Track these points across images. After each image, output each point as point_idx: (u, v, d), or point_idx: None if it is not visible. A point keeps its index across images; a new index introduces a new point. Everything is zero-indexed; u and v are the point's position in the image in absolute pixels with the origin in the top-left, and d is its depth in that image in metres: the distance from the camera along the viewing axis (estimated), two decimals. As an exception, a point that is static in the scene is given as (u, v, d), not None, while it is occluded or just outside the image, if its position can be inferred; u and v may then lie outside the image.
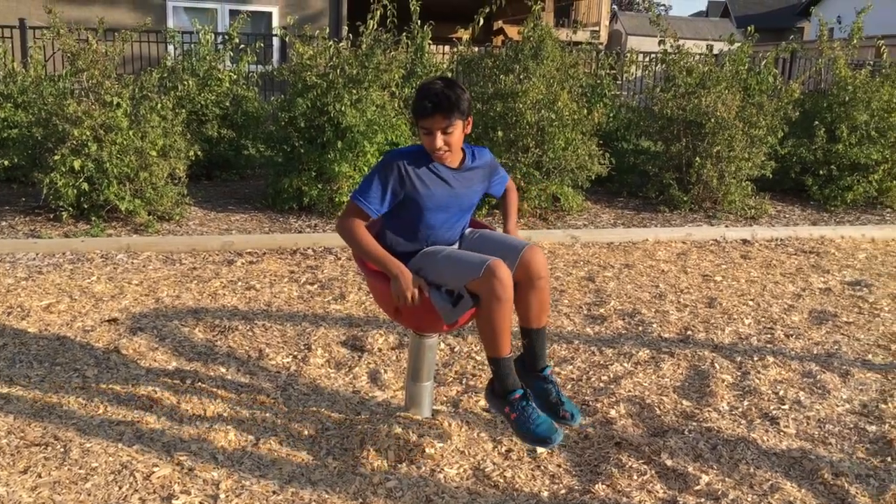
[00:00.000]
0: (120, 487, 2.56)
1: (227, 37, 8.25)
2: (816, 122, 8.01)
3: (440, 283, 2.70)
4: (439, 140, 2.63)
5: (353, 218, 2.72)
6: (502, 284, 2.55)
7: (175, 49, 8.51)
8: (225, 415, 3.09)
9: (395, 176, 2.69)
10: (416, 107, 2.64)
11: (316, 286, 4.84)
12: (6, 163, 6.29)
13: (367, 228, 2.74)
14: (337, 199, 6.48)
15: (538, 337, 2.80)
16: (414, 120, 2.71)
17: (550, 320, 4.34)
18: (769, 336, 4.20)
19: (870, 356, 3.95)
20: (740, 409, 3.29)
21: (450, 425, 3.03)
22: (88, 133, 5.83)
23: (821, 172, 7.93)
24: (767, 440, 3.02)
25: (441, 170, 2.74)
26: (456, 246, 2.90)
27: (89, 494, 2.52)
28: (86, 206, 6.04)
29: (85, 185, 5.84)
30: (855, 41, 8.36)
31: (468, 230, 2.99)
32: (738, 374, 3.66)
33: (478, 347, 3.90)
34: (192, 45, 8.11)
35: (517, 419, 2.65)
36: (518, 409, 2.66)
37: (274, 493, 2.58)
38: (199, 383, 3.36)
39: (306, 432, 2.99)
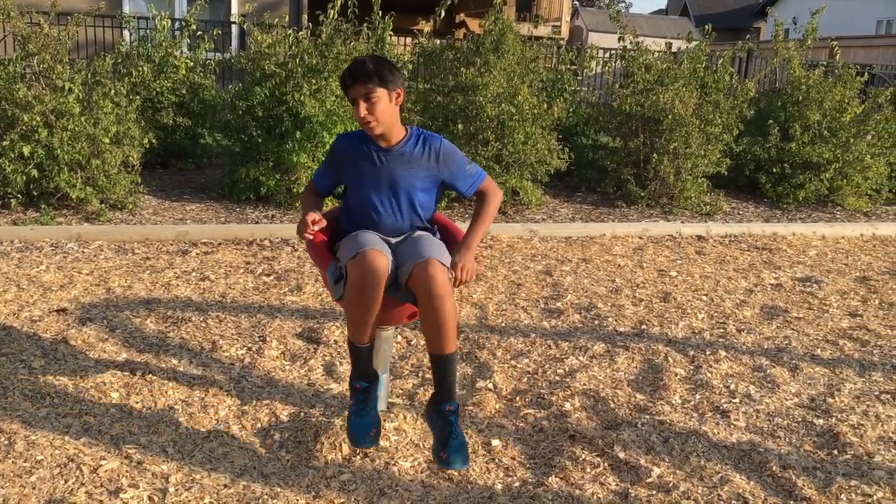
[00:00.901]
0: (66, 481, 2.51)
1: (184, 23, 8.10)
2: (771, 121, 8.15)
3: (339, 257, 2.71)
4: (363, 109, 2.64)
5: (307, 189, 2.96)
6: (361, 274, 2.49)
7: (130, 35, 8.34)
8: (176, 407, 3.04)
9: (334, 154, 2.86)
10: (341, 81, 2.69)
11: (272, 277, 4.78)
12: (-48, 148, 6.10)
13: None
14: (295, 190, 6.42)
15: (437, 365, 2.63)
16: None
17: (507, 314, 4.35)
18: (722, 331, 4.26)
19: (818, 351, 4.03)
20: (692, 403, 3.33)
21: (405, 418, 3.03)
22: (39, 119, 5.69)
23: (774, 170, 8.07)
24: (718, 433, 3.07)
25: (372, 148, 2.77)
26: (396, 240, 2.81)
27: (34, 488, 2.46)
28: (35, 194, 5.89)
29: (34, 172, 5.70)
30: (809, 42, 8.50)
31: (416, 232, 2.85)
32: (691, 367, 3.71)
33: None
34: (148, 31, 7.95)
35: (349, 407, 2.74)
36: (355, 399, 2.73)
37: (225, 486, 2.55)
38: (150, 375, 3.30)
39: (259, 425, 2.95)
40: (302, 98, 6.27)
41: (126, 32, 8.61)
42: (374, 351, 2.85)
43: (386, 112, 2.68)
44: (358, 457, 2.76)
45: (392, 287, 2.61)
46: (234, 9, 12.48)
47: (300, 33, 6.90)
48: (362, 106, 2.64)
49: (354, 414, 2.70)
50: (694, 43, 8.11)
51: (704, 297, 4.86)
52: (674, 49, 8.22)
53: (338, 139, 2.86)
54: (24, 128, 5.67)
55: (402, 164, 2.76)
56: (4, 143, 5.63)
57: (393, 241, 2.78)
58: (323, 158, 6.32)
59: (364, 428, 2.67)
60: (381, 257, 2.51)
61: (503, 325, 4.19)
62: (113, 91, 6.14)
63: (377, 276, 2.48)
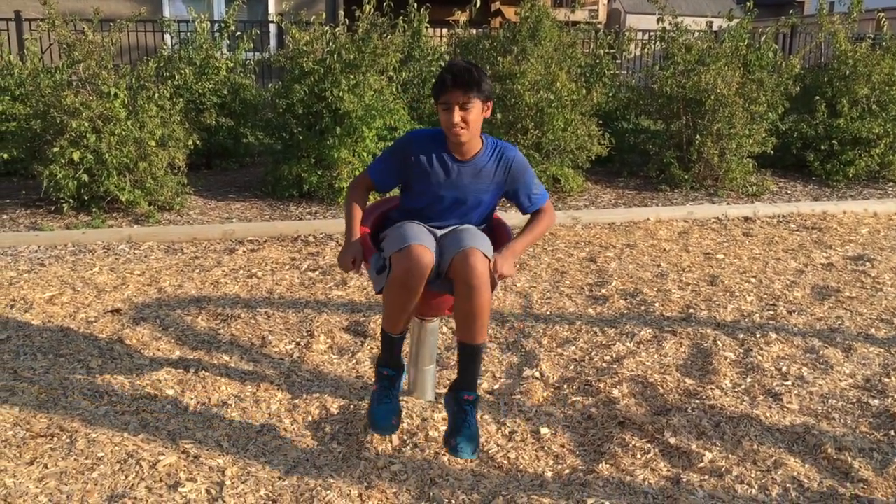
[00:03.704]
0: (126, 476, 2.58)
1: (223, 24, 8.21)
2: (817, 97, 7.97)
3: (384, 248, 2.71)
4: (457, 115, 2.60)
5: (358, 183, 2.90)
6: (405, 268, 2.49)
7: (171, 38, 8.48)
8: (229, 402, 3.10)
9: (400, 154, 2.77)
10: (437, 82, 2.64)
11: (317, 273, 4.84)
12: (5, 156, 6.29)
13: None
14: (337, 185, 6.48)
15: (463, 353, 2.65)
16: (434, 98, 2.70)
17: (552, 302, 4.34)
18: (771, 313, 4.20)
19: (872, 331, 3.95)
20: (743, 387, 3.29)
21: (453, 408, 3.04)
22: (87, 124, 5.82)
23: (822, 147, 7.90)
24: (770, 416, 3.03)
25: (446, 157, 2.74)
26: (442, 232, 2.81)
27: (96, 484, 2.53)
28: (86, 198, 6.04)
29: (85, 177, 5.84)
30: (854, 14, 8.30)
31: (463, 225, 2.85)
32: (741, 351, 3.67)
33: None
34: (189, 34, 8.07)
35: (372, 392, 2.78)
36: (379, 384, 2.77)
37: (279, 478, 2.59)
38: (203, 372, 3.37)
39: (310, 418, 3.00)
40: (340, 94, 6.31)
41: (167, 36, 8.75)
42: (413, 342, 2.89)
43: (476, 122, 2.67)
44: (408, 447, 2.78)
45: (433, 277, 2.62)
46: (272, 8, 12.60)
47: (337, 29, 6.94)
48: (457, 112, 2.60)
49: (377, 401, 2.75)
50: (735, 20, 7.97)
51: (753, 280, 4.79)
52: (714, 28, 8.07)
53: (411, 137, 2.77)
54: (72, 134, 5.81)
55: (473, 176, 2.76)
56: (55, 149, 5.77)
57: (439, 232, 2.80)
58: (364, 154, 6.43)
59: (387, 414, 2.71)
60: (427, 252, 2.52)
61: (548, 313, 4.19)
62: (157, 94, 6.25)
63: (421, 271, 2.49)
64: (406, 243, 2.53)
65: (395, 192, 3.01)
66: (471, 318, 2.56)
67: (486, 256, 2.54)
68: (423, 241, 2.56)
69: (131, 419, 2.96)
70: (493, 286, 2.59)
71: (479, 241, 2.62)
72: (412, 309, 2.62)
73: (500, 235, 2.94)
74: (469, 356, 2.65)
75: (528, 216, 2.91)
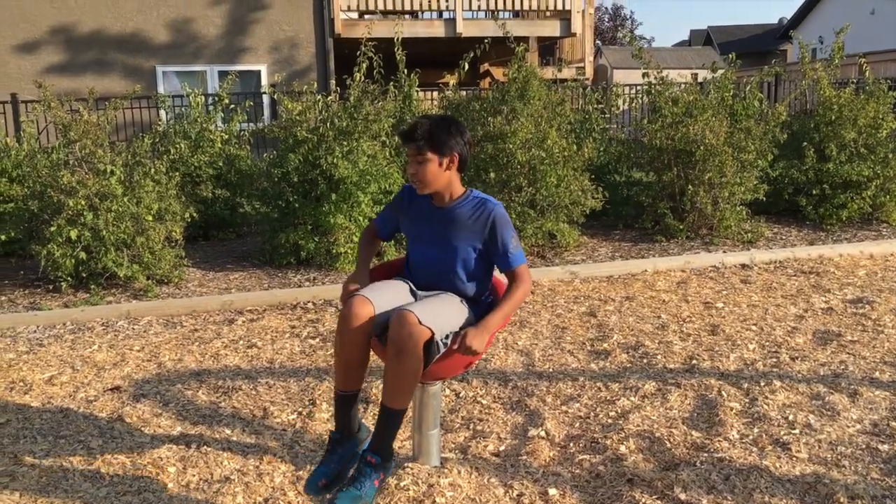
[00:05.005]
0: (129, 559, 2.53)
1: (217, 98, 8.35)
2: (805, 143, 8.07)
3: None
4: (411, 167, 2.76)
5: (367, 229, 3.11)
6: (343, 318, 2.60)
7: (167, 114, 8.61)
8: (232, 478, 3.06)
9: (397, 203, 2.99)
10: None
11: (318, 340, 4.83)
12: (3, 237, 6.32)
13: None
14: (334, 251, 6.50)
15: (380, 412, 2.60)
16: None
17: (554, 359, 4.32)
18: (775, 360, 4.18)
19: (877, 374, 3.92)
20: (751, 437, 3.26)
21: (459, 473, 3.00)
22: (83, 202, 5.87)
23: (814, 192, 7.97)
24: (780, 467, 2.99)
25: (426, 205, 2.89)
26: (423, 294, 2.84)
27: (98, 569, 2.48)
28: (84, 275, 6.05)
29: (82, 254, 5.86)
30: (836, 61, 8.45)
31: (445, 293, 2.85)
32: (747, 400, 3.64)
33: (483, 391, 3.88)
34: (184, 109, 8.20)
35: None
36: (327, 445, 2.76)
37: (285, 554, 2.54)
38: (205, 447, 3.33)
39: (315, 490, 2.95)
40: (335, 160, 6.38)
41: (162, 112, 8.89)
42: (416, 406, 2.88)
43: (434, 175, 2.75)
44: (415, 516, 2.74)
45: (379, 331, 2.68)
46: (264, 79, 12.85)
47: (329, 98, 7.06)
48: (412, 165, 2.76)
49: (319, 461, 2.76)
50: (720, 71, 8.11)
51: (754, 327, 4.78)
52: (700, 79, 8.22)
53: (404, 188, 2.98)
54: (70, 212, 5.85)
55: (451, 223, 2.82)
56: (52, 228, 5.81)
57: (422, 294, 2.84)
58: (360, 218, 6.47)
59: (315, 476, 2.67)
60: (366, 305, 2.58)
61: (550, 370, 4.17)
62: (153, 170, 6.32)
63: (354, 322, 2.56)
64: (356, 295, 2.62)
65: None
66: (389, 381, 2.56)
67: (419, 322, 2.49)
68: (370, 296, 2.62)
69: (133, 499, 2.91)
70: (445, 357, 2.61)
71: (428, 307, 2.61)
72: (354, 364, 2.65)
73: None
74: (383, 419, 2.60)
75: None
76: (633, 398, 3.73)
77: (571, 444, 3.27)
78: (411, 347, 2.49)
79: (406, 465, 3.04)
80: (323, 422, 3.59)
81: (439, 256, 2.84)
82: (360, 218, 6.51)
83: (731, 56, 8.42)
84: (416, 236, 2.91)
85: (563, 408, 3.65)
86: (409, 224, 2.94)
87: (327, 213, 6.41)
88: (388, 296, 2.70)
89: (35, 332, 5.20)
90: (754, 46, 36.70)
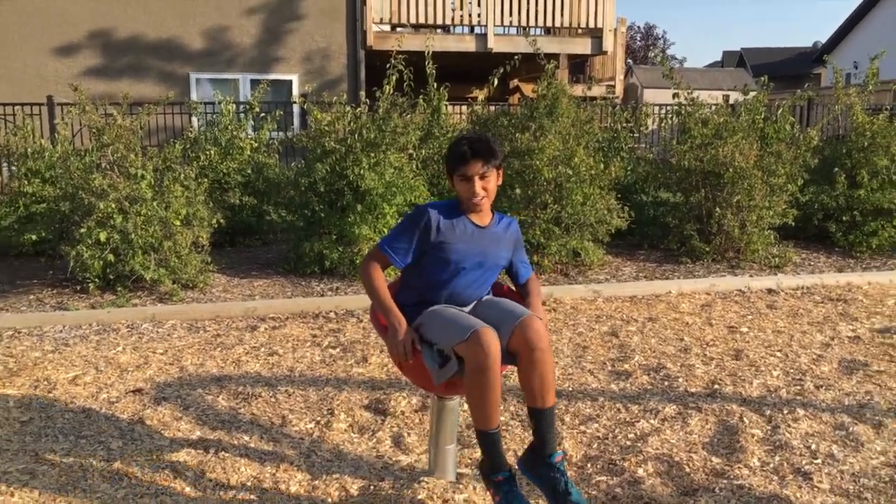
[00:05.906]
0: (143, 562, 2.54)
1: (248, 106, 8.44)
2: (836, 169, 7.99)
3: (434, 341, 2.69)
4: (478, 185, 2.72)
5: (374, 262, 2.85)
6: (485, 352, 2.46)
7: (198, 120, 8.71)
8: (248, 484, 3.07)
9: (423, 226, 2.76)
10: (454, 154, 2.73)
11: (338, 350, 4.84)
12: (34, 237, 6.42)
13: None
14: (358, 262, 6.52)
15: (542, 418, 2.62)
16: (450, 171, 2.79)
17: (574, 378, 4.30)
18: (798, 388, 4.12)
19: (903, 405, 3.86)
20: (772, 465, 3.21)
21: (475, 489, 2.99)
22: (114, 205, 5.95)
23: (844, 218, 7.87)
24: (801, 497, 2.95)
25: (469, 226, 2.82)
26: (469, 308, 2.88)
27: (113, 570, 2.50)
28: (112, 277, 6.13)
29: (111, 257, 5.93)
30: (870, 87, 8.37)
31: (485, 297, 2.96)
32: (769, 428, 3.59)
33: (500, 408, 3.86)
34: (215, 116, 8.29)
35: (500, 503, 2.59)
36: (501, 492, 2.59)
37: (298, 564, 2.55)
38: (223, 452, 3.35)
39: (330, 500, 2.96)
40: (362, 172, 6.42)
41: (194, 118, 9.00)
42: (433, 421, 2.86)
43: (494, 190, 2.80)
44: (429, 531, 2.73)
45: None
46: (296, 89, 12.96)
47: (358, 109, 7.10)
48: (478, 182, 2.73)
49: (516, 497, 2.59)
50: (752, 94, 8.06)
51: (778, 353, 4.72)
52: (731, 101, 8.17)
53: (429, 210, 2.77)
54: (100, 215, 5.93)
55: (493, 241, 2.86)
56: (82, 230, 5.89)
57: (466, 310, 2.85)
58: (385, 230, 6.49)
59: None
60: (494, 333, 2.53)
61: (570, 389, 4.14)
62: (182, 175, 6.39)
63: (497, 352, 2.49)
64: (470, 330, 2.52)
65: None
66: (547, 382, 2.60)
67: (543, 320, 2.66)
68: (482, 324, 2.56)
69: (150, 502, 2.93)
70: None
71: (523, 308, 2.74)
72: (500, 395, 2.59)
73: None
74: (549, 421, 2.63)
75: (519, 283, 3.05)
76: (652, 421, 3.69)
77: (589, 465, 3.25)
78: (549, 342, 2.61)
79: (422, 479, 3.04)
80: (340, 431, 3.59)
81: (480, 277, 2.87)
82: (385, 229, 6.53)
83: (763, 78, 8.37)
84: (455, 258, 2.78)
85: (582, 427, 3.62)
86: (446, 246, 2.77)
87: (352, 223, 6.45)
88: (475, 318, 2.68)
89: (61, 331, 5.27)
90: (787, 70, 36.42)
